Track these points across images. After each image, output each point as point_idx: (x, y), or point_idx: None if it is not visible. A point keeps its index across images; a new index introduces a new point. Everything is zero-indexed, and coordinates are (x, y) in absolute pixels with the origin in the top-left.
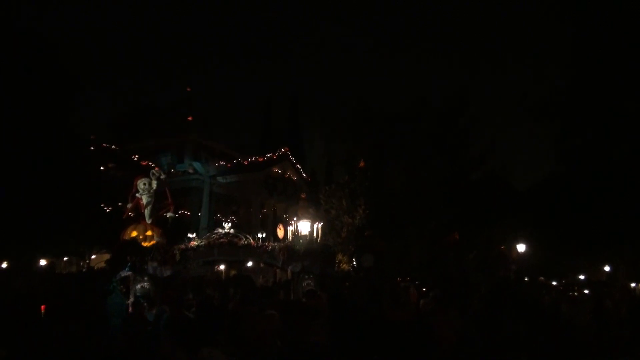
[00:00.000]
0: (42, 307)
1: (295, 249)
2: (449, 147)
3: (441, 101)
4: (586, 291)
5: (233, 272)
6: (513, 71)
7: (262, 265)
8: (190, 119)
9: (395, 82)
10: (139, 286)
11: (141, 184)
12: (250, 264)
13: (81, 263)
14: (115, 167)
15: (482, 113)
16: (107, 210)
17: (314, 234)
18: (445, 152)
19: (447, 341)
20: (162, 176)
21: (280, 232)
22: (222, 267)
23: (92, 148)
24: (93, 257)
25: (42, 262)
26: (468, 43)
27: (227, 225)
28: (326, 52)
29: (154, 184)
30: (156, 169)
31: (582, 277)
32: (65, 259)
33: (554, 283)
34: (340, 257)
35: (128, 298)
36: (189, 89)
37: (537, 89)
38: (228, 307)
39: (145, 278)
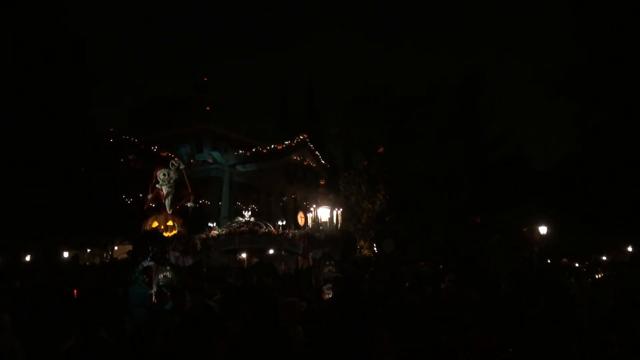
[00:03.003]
0: (75, 291)
1: (316, 236)
2: (468, 128)
3: (458, 82)
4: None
5: (255, 260)
6: (531, 50)
7: (283, 252)
8: (208, 108)
9: (412, 64)
10: (161, 276)
11: (161, 174)
12: (271, 251)
13: (104, 254)
14: (135, 158)
15: (500, 93)
16: (128, 202)
17: (334, 221)
18: (463, 133)
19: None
20: (182, 166)
21: (300, 220)
22: (243, 255)
23: (111, 140)
24: (116, 248)
25: (65, 255)
26: (485, 22)
27: (247, 214)
28: (341, 37)
29: (174, 175)
30: (175, 159)
31: (604, 258)
32: (89, 250)
33: (577, 265)
34: (362, 243)
35: (151, 288)
36: (205, 79)
37: (557, 67)
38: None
39: (168, 268)
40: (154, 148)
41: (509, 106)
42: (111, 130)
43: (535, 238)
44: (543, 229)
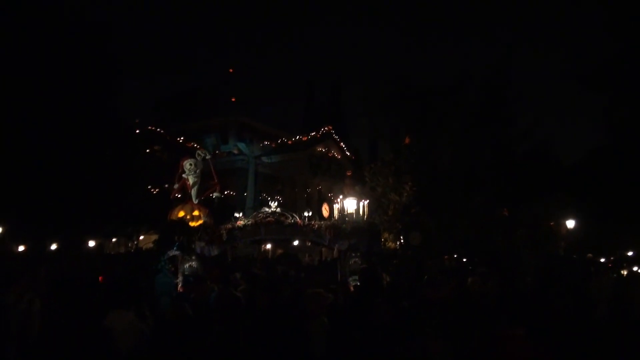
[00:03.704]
0: (100, 278)
1: (342, 227)
2: (495, 120)
3: (485, 73)
4: (635, 268)
5: (280, 251)
6: (560, 41)
7: (308, 244)
8: (233, 100)
9: (439, 54)
10: (187, 265)
11: (187, 164)
12: (296, 242)
13: (129, 244)
14: (161, 149)
15: (528, 85)
16: (154, 192)
17: (360, 212)
18: (490, 126)
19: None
20: (208, 156)
21: (325, 212)
22: (268, 246)
23: (137, 131)
24: (141, 237)
25: (91, 244)
26: (514, 12)
27: (273, 204)
28: (368, 28)
29: (200, 165)
30: (202, 150)
31: (630, 253)
32: (114, 240)
33: (602, 260)
34: (386, 235)
35: (176, 277)
36: (231, 70)
37: (586, 59)
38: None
39: (193, 257)
40: (180, 139)
41: (537, 99)
42: (137, 121)
43: (562, 232)
44: (570, 223)
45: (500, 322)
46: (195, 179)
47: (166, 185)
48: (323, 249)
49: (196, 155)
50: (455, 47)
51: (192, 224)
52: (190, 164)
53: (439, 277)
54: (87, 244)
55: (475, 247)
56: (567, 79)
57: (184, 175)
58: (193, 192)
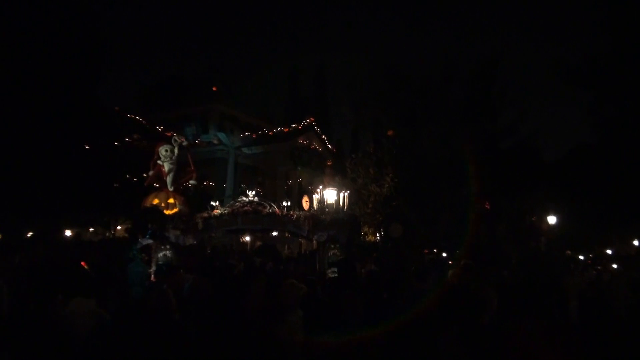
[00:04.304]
0: (83, 263)
1: (321, 218)
2: (480, 114)
3: (472, 67)
4: (615, 265)
5: (258, 244)
6: (545, 38)
7: (287, 235)
8: (214, 89)
9: (426, 45)
10: (161, 254)
11: (163, 150)
12: (275, 233)
13: (107, 233)
14: (140, 137)
15: (514, 81)
16: (132, 181)
17: (341, 203)
18: (475, 119)
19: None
20: (184, 143)
21: (305, 204)
22: (247, 238)
23: (115, 119)
24: (119, 227)
25: (68, 233)
26: (499, 7)
27: (251, 194)
28: (353, 18)
29: (176, 151)
30: (181, 139)
31: (609, 251)
32: (91, 229)
33: (581, 257)
34: (366, 229)
35: (150, 266)
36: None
37: (572, 56)
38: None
39: (168, 246)
40: (159, 127)
41: (522, 95)
42: (116, 109)
43: (543, 228)
44: (552, 219)
45: (488, 315)
46: (171, 166)
47: (144, 175)
48: (302, 241)
49: (172, 141)
50: (443, 39)
51: (166, 212)
52: (166, 150)
53: (426, 268)
54: (64, 232)
55: (457, 241)
56: (553, 75)
57: (159, 162)
58: (168, 179)
